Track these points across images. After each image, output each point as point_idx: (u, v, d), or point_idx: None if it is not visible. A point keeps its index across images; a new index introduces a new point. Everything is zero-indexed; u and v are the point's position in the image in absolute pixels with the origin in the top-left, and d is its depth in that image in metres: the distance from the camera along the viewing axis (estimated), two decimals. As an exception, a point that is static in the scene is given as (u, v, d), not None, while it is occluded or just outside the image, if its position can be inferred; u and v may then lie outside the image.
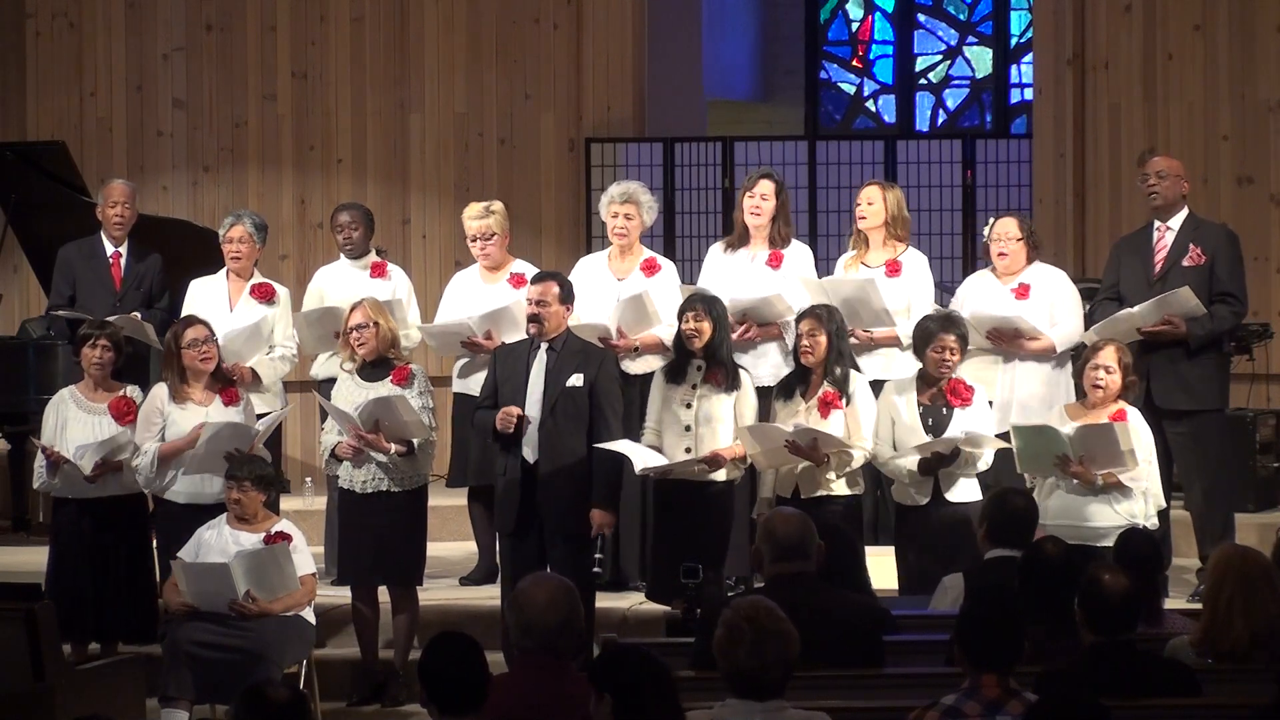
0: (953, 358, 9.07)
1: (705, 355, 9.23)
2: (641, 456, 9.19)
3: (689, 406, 9.22)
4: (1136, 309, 9.62)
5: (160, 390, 9.48)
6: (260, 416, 9.63)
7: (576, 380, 9.05)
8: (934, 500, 9.05)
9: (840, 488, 9.08)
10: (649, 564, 9.52)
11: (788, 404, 9.18)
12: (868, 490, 9.57)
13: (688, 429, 9.22)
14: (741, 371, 9.33)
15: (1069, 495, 8.86)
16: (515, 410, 9.01)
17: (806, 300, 9.65)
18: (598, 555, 9.00)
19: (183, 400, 9.40)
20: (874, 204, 10.01)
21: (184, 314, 10.40)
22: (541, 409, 9.04)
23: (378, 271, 10.61)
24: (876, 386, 9.38)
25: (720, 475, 9.20)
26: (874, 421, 9.14)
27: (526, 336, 9.23)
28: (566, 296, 9.16)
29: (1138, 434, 8.91)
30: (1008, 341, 9.66)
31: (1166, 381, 9.69)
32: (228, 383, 9.51)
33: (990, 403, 9.43)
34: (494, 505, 9.40)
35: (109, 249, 11.06)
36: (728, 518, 9.23)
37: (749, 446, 9.08)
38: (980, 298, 9.82)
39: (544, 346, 9.12)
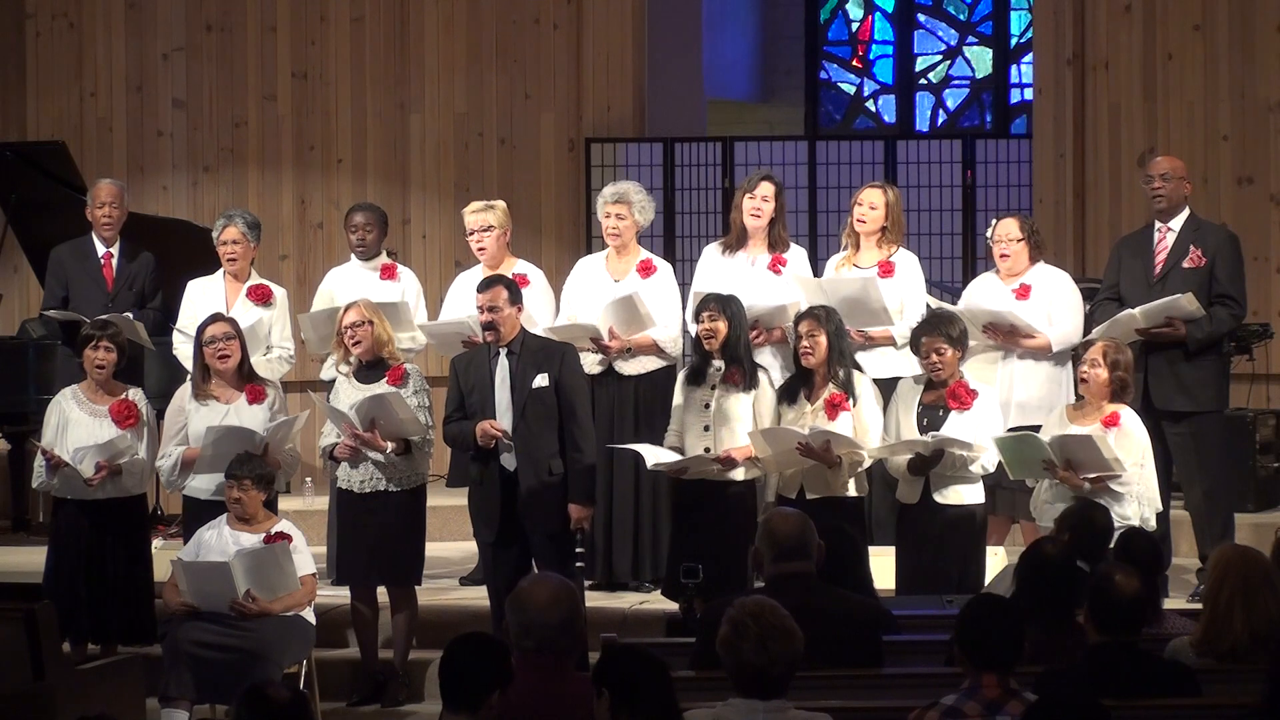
0: (940, 359, 9.06)
1: (723, 355, 9.23)
2: (653, 454, 9.20)
3: (707, 406, 9.23)
4: (1137, 310, 9.62)
5: (184, 389, 9.51)
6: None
7: (542, 380, 9.04)
8: (929, 502, 9.05)
9: (848, 488, 9.08)
10: (667, 563, 9.51)
11: (792, 407, 9.18)
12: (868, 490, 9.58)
13: (706, 429, 9.22)
14: (760, 372, 9.32)
15: (1061, 499, 8.86)
16: (498, 428, 8.99)
17: (802, 300, 9.65)
18: (579, 550, 8.99)
19: (205, 398, 9.40)
20: (877, 208, 10.00)
21: (181, 315, 10.42)
22: (512, 414, 9.03)
23: (388, 273, 10.61)
24: (879, 386, 9.39)
25: (739, 475, 9.20)
26: (880, 421, 9.15)
27: (485, 342, 9.21)
28: (515, 298, 9.13)
29: (1130, 437, 8.88)
30: (1004, 337, 9.67)
31: (1165, 383, 9.69)
32: (253, 380, 9.50)
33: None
34: (475, 513, 9.36)
35: (100, 249, 11.05)
36: (749, 517, 9.21)
37: (760, 450, 9.08)
38: (981, 296, 9.84)
39: (503, 351, 9.11)
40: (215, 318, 9.57)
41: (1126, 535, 7.80)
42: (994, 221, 10.05)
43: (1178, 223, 9.88)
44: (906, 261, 10.03)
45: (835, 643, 6.63)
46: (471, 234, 10.38)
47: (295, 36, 13.55)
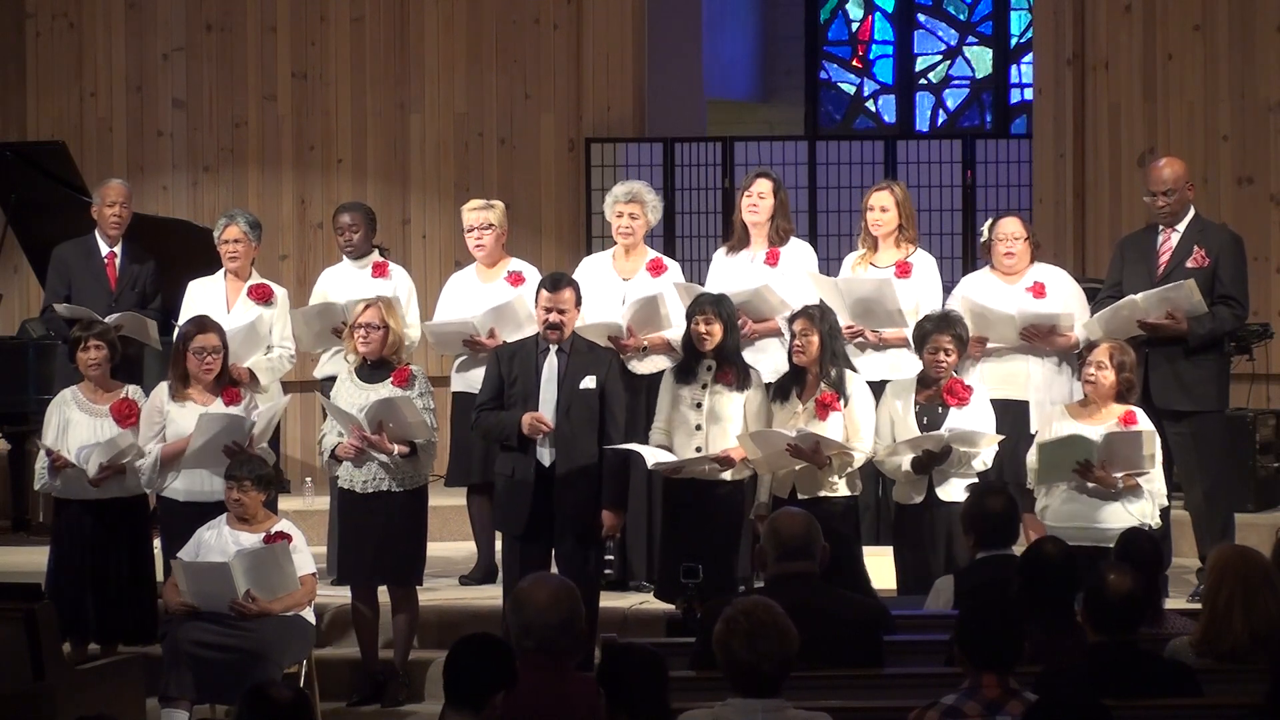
0: (947, 358, 9.09)
1: (716, 355, 9.23)
2: (651, 455, 9.21)
3: (699, 406, 9.22)
4: (1139, 297, 9.59)
5: (161, 389, 9.49)
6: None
7: (589, 383, 9.06)
8: (931, 500, 9.06)
9: (839, 488, 9.09)
10: (658, 563, 9.52)
11: (784, 406, 9.18)
12: (868, 490, 9.57)
13: (698, 428, 9.22)
14: (752, 371, 9.32)
15: (1080, 497, 8.89)
16: (546, 420, 8.99)
17: (813, 298, 9.65)
18: (609, 557, 9.00)
19: (183, 399, 9.40)
20: (887, 210, 10.00)
21: (182, 315, 10.41)
22: (556, 412, 9.04)
23: (379, 271, 10.62)
24: (880, 387, 9.39)
25: (728, 475, 9.19)
26: (873, 421, 9.15)
27: (540, 339, 9.17)
28: (579, 300, 9.19)
29: (1148, 435, 8.94)
30: (1042, 339, 9.66)
31: (1165, 382, 9.68)
32: (231, 383, 9.51)
33: (1013, 402, 9.50)
34: (497, 505, 9.40)
35: (104, 249, 11.03)
36: (737, 517, 9.22)
37: (750, 451, 9.08)
38: (995, 298, 9.79)
39: (553, 349, 9.12)
40: (205, 325, 9.52)
41: (1127, 535, 7.81)
42: (990, 221, 10.05)
43: (1182, 224, 9.85)
44: (924, 263, 10.03)
45: (835, 643, 6.63)
46: (470, 230, 10.41)
47: (295, 36, 13.55)
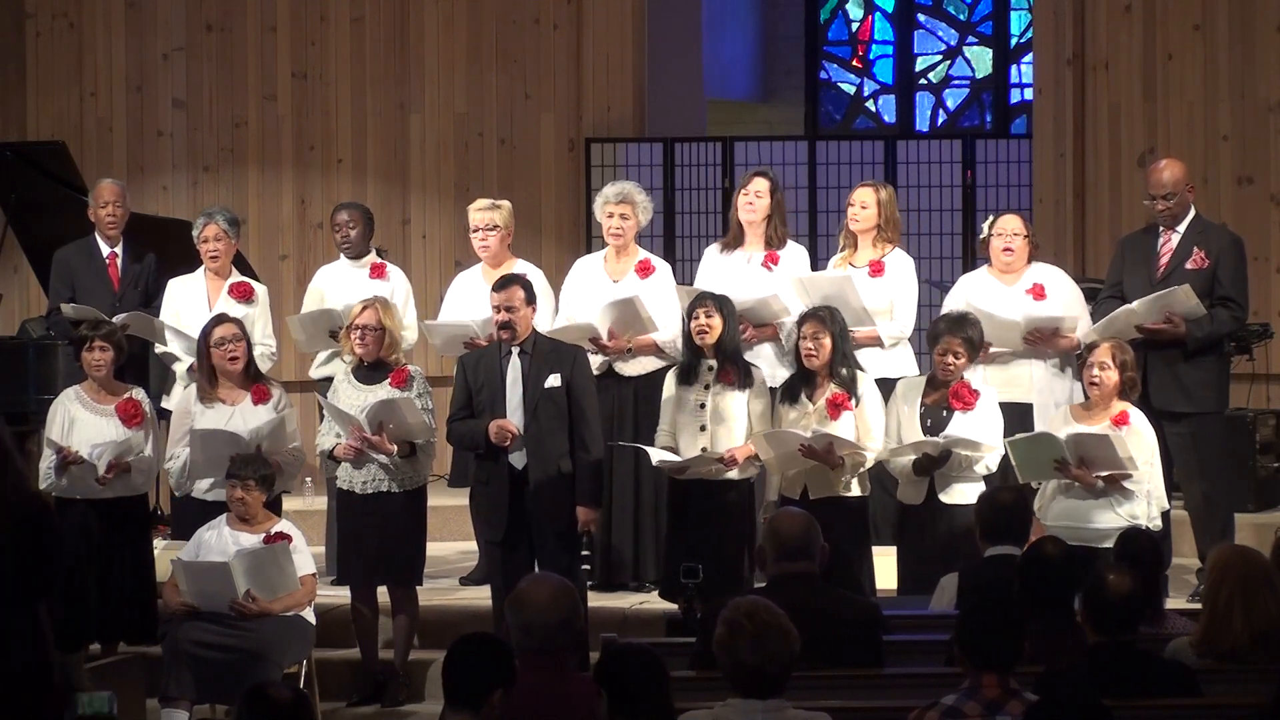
0: (956, 361, 9.06)
1: (717, 354, 9.23)
2: (655, 453, 9.21)
3: (703, 406, 9.22)
4: (1136, 304, 9.60)
5: (189, 391, 9.52)
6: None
7: (554, 381, 9.04)
8: (934, 502, 9.05)
9: (851, 488, 9.08)
10: (664, 563, 9.52)
11: (794, 407, 9.17)
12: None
13: (703, 428, 9.22)
14: (754, 369, 9.32)
15: (1071, 497, 8.87)
16: (512, 426, 9.00)
17: (797, 301, 9.65)
18: (585, 554, 9.00)
19: (211, 400, 9.40)
20: (867, 208, 10.01)
21: (163, 314, 10.42)
22: (523, 414, 9.03)
23: (377, 272, 10.62)
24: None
25: (734, 474, 9.19)
26: (883, 421, 9.15)
27: (496, 342, 9.21)
28: (531, 298, 9.15)
29: (1140, 436, 8.91)
30: (1045, 341, 9.65)
31: (1164, 384, 9.67)
32: (259, 380, 9.51)
33: (1017, 404, 9.49)
34: (477, 514, 9.39)
35: (105, 250, 11.03)
36: (743, 516, 9.22)
37: (763, 452, 9.08)
38: (995, 300, 9.78)
39: (515, 351, 9.11)
40: (221, 319, 9.56)
41: (1127, 535, 7.81)
42: (991, 218, 10.03)
43: (1182, 225, 9.84)
44: (898, 262, 10.02)
45: (835, 643, 6.63)
46: (476, 231, 10.41)
47: (295, 36, 13.56)
